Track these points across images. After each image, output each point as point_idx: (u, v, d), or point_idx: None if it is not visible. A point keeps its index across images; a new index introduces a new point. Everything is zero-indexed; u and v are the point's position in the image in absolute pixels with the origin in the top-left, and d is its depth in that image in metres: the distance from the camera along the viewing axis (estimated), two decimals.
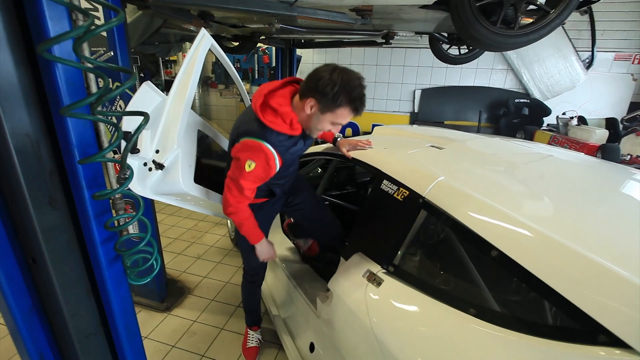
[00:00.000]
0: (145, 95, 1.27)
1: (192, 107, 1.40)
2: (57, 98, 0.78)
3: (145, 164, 1.26)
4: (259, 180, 1.24)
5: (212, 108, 5.98)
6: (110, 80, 0.74)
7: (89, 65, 0.77)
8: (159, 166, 1.26)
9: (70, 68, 0.78)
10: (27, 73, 0.77)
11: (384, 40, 3.21)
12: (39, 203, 0.83)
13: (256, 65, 5.42)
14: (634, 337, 0.65)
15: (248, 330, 1.84)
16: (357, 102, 1.11)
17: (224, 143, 1.73)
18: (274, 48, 4.95)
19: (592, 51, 3.88)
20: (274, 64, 5.20)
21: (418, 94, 4.82)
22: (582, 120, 3.83)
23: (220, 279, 2.47)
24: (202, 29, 1.39)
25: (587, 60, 4.03)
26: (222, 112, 5.94)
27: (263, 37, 3.63)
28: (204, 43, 1.37)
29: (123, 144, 1.13)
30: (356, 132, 5.10)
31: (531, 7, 1.69)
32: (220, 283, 2.42)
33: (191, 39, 4.58)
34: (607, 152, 3.16)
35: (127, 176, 0.81)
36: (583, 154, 1.87)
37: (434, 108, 4.77)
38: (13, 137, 0.76)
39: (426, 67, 4.70)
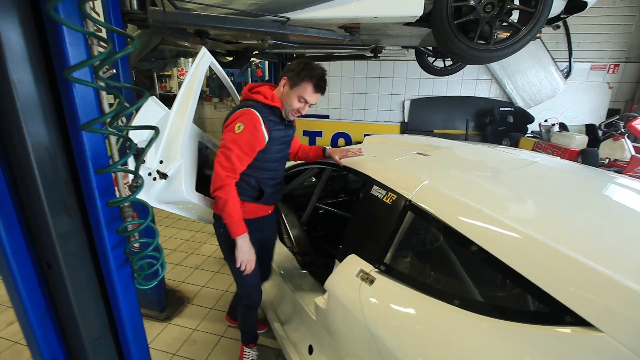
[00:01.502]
0: (150, 109, 1.36)
1: None
2: (74, 114, 0.86)
3: (149, 174, 1.33)
4: (248, 149, 1.35)
5: (207, 121, 6.07)
6: (123, 97, 0.82)
7: (102, 84, 0.85)
8: (163, 176, 1.34)
9: (86, 87, 0.86)
10: (47, 92, 0.85)
11: (372, 54, 3.35)
12: (55, 211, 0.90)
13: (249, 79, 5.56)
14: (595, 316, 0.74)
15: (244, 347, 1.83)
16: (317, 78, 1.37)
17: None
18: (266, 62, 5.10)
19: (570, 62, 4.09)
20: (267, 78, 5.34)
21: (407, 104, 4.99)
22: (563, 127, 4.01)
23: (218, 287, 2.51)
24: (203, 47, 1.49)
25: (566, 70, 4.24)
26: (216, 124, 6.02)
27: (256, 52, 3.76)
28: (204, 60, 1.47)
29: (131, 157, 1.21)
30: (348, 141, 5.22)
31: (505, 24, 1.83)
32: (218, 292, 2.46)
33: (186, 54, 4.71)
34: (587, 156, 3.32)
35: (138, 184, 0.89)
36: (559, 158, 2.00)
37: (423, 117, 4.93)
38: (34, 150, 0.83)
39: (414, 78, 4.88)
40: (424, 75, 4.54)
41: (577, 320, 0.76)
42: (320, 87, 1.39)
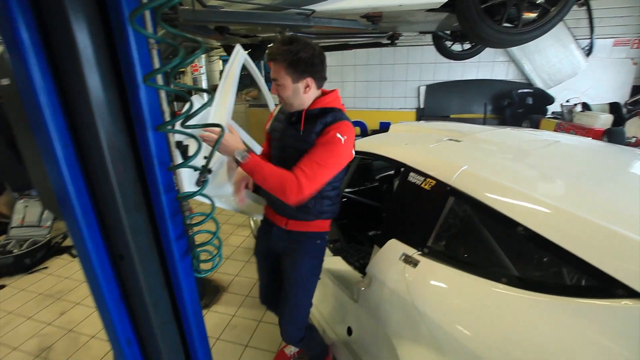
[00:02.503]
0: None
1: None
2: (141, 116, 0.92)
3: (195, 169, 1.40)
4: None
5: None
6: (192, 100, 0.88)
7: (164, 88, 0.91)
8: (208, 171, 1.40)
9: (152, 91, 0.92)
10: (115, 96, 0.92)
11: (389, 41, 3.33)
12: (128, 207, 0.97)
13: (263, 71, 5.57)
14: None
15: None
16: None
17: (256, 148, 1.87)
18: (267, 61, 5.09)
19: (591, 38, 3.97)
20: None
21: (423, 90, 4.94)
22: (586, 107, 3.93)
23: (250, 276, 2.61)
24: (237, 45, 1.53)
25: (587, 48, 4.13)
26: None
27: (271, 45, 3.77)
28: (239, 57, 1.52)
29: (177, 155, 1.28)
30: (364, 130, 5.22)
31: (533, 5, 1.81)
32: (251, 280, 2.56)
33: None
34: (613, 135, 3.26)
35: (205, 179, 0.95)
36: (590, 138, 1.99)
37: (439, 103, 4.89)
38: (109, 151, 0.90)
39: (429, 63, 4.82)
40: (439, 60, 4.47)
41: (629, 293, 0.80)
42: (268, 53, 1.23)
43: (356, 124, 5.29)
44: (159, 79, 0.88)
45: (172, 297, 1.18)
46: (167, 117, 0.94)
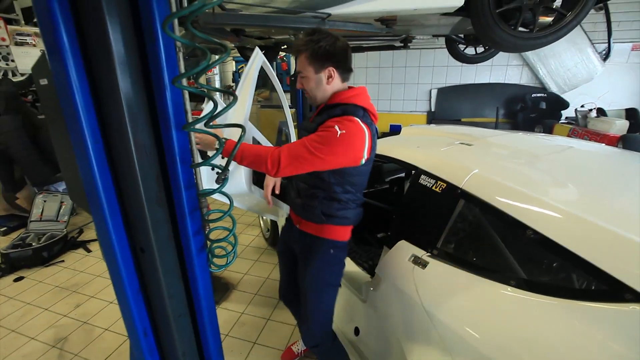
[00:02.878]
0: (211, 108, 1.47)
1: None
2: (166, 116, 0.97)
3: (212, 168, 1.44)
4: None
5: None
6: (217, 100, 0.93)
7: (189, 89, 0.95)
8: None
9: (177, 92, 0.97)
10: (144, 96, 0.97)
11: (402, 44, 3.35)
12: (150, 201, 1.01)
13: (275, 72, 5.64)
14: None
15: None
16: None
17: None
18: (292, 55, 5.15)
19: (609, 43, 3.91)
20: (292, 72, 5.41)
21: (434, 93, 4.94)
22: (601, 112, 3.87)
23: (260, 275, 2.66)
24: (257, 48, 1.57)
25: (604, 52, 4.07)
26: None
27: (284, 46, 3.83)
28: (257, 60, 1.56)
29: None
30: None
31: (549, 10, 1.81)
32: (260, 279, 2.60)
33: (215, 52, 4.83)
34: (629, 142, 3.21)
35: (226, 177, 0.99)
36: (605, 144, 1.98)
37: (451, 106, 4.88)
38: (135, 148, 0.95)
39: (441, 66, 4.82)
40: (451, 63, 4.48)
41: (636, 297, 0.81)
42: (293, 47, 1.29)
43: None
44: (184, 81, 0.93)
45: (188, 290, 1.22)
46: (190, 117, 0.99)
